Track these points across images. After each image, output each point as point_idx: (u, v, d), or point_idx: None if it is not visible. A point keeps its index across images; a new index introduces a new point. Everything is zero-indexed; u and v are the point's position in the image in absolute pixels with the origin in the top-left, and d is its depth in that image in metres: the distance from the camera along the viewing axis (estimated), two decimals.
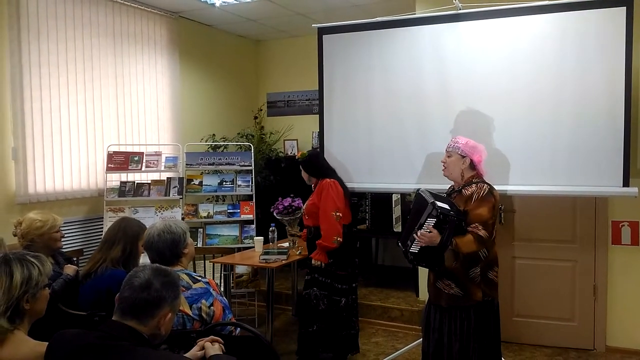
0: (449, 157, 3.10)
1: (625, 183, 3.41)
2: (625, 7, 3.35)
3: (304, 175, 3.86)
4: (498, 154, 3.65)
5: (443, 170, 3.12)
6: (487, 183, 3.00)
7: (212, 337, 1.88)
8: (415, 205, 3.09)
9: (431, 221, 2.81)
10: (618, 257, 4.03)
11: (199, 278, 2.34)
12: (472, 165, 3.06)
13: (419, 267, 3.14)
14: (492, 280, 2.99)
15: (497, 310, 3.08)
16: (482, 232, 2.82)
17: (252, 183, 5.19)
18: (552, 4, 3.54)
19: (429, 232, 2.79)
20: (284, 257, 3.94)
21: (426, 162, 3.81)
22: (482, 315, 2.98)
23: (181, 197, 4.96)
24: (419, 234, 2.83)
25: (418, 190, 3.12)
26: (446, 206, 2.85)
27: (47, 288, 1.84)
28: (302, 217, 3.88)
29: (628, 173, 3.41)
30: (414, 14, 4.16)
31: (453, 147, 3.09)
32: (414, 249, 2.90)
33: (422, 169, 3.84)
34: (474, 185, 2.97)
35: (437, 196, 2.96)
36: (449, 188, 3.21)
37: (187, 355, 1.82)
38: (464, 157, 3.04)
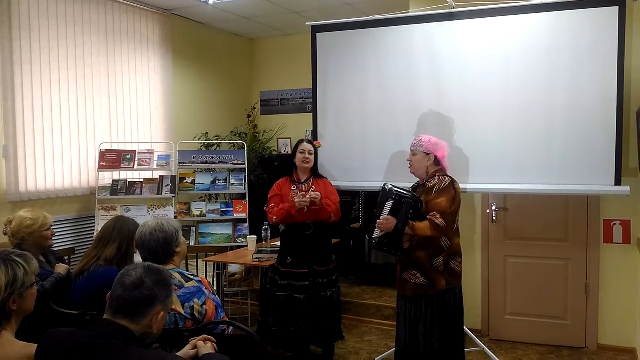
0: (414, 155, 3.28)
1: (618, 182, 3.42)
2: (617, 7, 3.37)
3: (313, 162, 3.77)
4: (491, 152, 3.67)
5: (409, 168, 3.31)
6: (449, 176, 3.19)
7: (204, 336, 1.87)
8: (380, 196, 3.25)
9: (389, 204, 3.09)
10: (610, 255, 4.05)
11: (192, 277, 2.32)
12: (437, 161, 3.25)
13: (384, 252, 3.35)
14: (454, 270, 3.18)
15: (461, 297, 3.27)
16: (438, 220, 3.02)
17: (245, 181, 5.18)
18: (545, 3, 3.54)
19: (385, 220, 3.06)
20: (277, 255, 3.93)
21: None
22: (444, 302, 3.16)
23: (174, 195, 4.94)
24: (378, 222, 3.11)
25: (384, 184, 3.29)
26: (403, 191, 3.12)
27: (34, 286, 1.82)
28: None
29: (620, 172, 3.42)
30: (408, 12, 4.16)
31: (417, 145, 3.27)
32: (376, 234, 3.16)
33: None
34: (436, 178, 3.18)
35: (400, 188, 3.17)
36: (415, 184, 3.39)
37: (180, 354, 1.81)
38: (428, 154, 3.23)
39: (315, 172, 3.82)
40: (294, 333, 3.69)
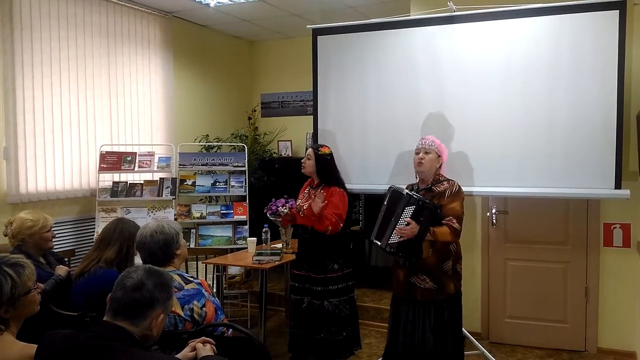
0: (427, 153, 3.20)
1: (618, 185, 3.42)
2: (617, 11, 3.38)
3: (312, 167, 3.59)
4: (492, 155, 3.67)
5: (419, 166, 3.19)
6: (454, 181, 3.19)
7: (203, 338, 1.87)
8: (390, 199, 3.20)
9: (409, 209, 3.03)
10: (610, 259, 4.05)
11: (191, 279, 2.33)
12: (440, 165, 3.27)
13: (396, 258, 3.23)
14: (459, 273, 3.22)
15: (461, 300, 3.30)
16: (456, 225, 3.05)
17: (245, 184, 5.18)
18: (546, 6, 3.55)
19: (407, 224, 3.00)
20: (277, 258, 3.93)
21: None
22: (453, 306, 3.19)
23: (174, 197, 4.94)
24: (398, 228, 3.04)
25: (391, 186, 3.25)
26: (419, 195, 3.08)
27: (32, 291, 1.81)
28: (296, 215, 3.70)
29: (620, 175, 3.43)
30: (409, 15, 4.17)
31: (431, 145, 3.23)
32: (393, 239, 3.09)
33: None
34: (445, 183, 3.17)
35: (410, 192, 3.14)
36: (410, 186, 3.33)
37: (179, 356, 1.81)
38: (439, 156, 3.23)
39: (326, 180, 3.58)
40: (297, 334, 3.65)
